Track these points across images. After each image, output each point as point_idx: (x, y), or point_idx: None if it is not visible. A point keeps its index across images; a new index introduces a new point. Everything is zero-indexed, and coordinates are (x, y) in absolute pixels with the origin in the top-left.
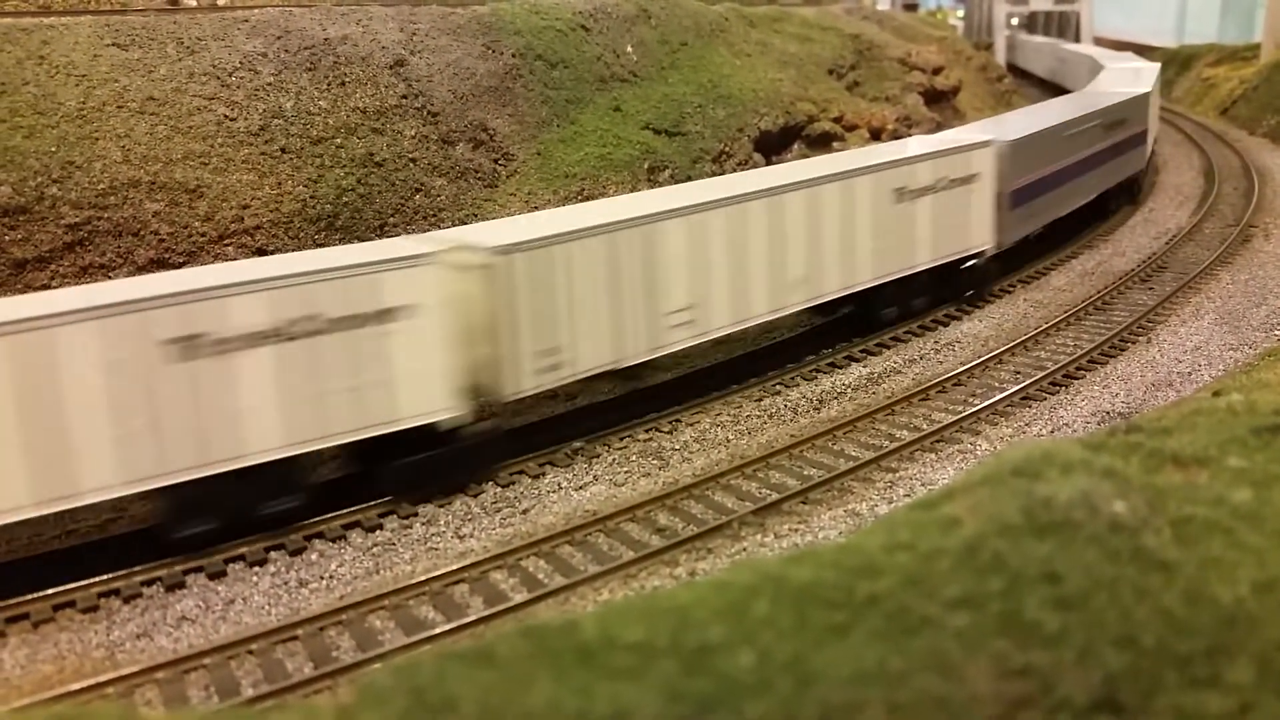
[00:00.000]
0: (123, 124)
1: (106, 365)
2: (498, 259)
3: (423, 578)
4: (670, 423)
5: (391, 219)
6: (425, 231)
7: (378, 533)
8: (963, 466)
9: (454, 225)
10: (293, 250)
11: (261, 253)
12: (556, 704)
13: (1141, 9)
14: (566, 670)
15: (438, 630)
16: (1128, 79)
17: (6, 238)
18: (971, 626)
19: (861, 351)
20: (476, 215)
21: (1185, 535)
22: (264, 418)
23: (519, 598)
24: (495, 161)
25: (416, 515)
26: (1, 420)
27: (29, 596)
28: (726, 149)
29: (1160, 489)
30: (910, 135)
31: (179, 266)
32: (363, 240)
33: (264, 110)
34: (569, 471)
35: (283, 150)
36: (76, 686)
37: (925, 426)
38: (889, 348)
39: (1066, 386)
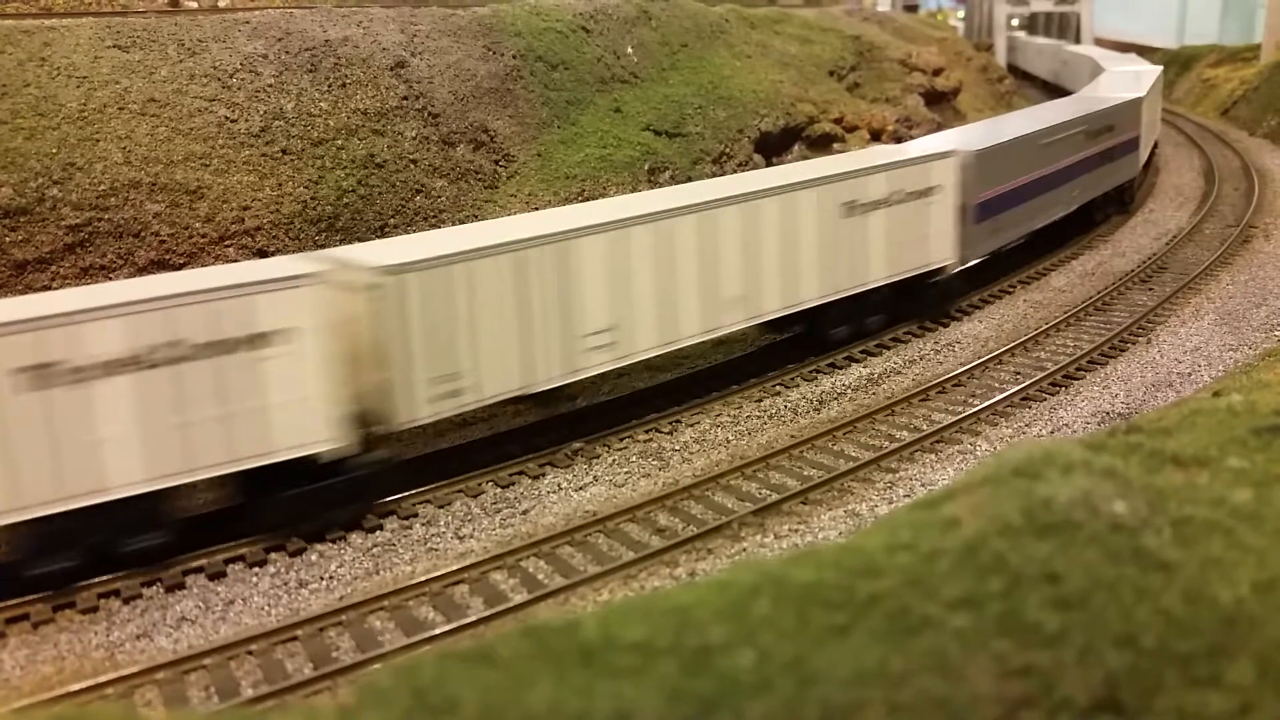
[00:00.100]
0: (124, 125)
1: None
2: (386, 279)
3: (423, 578)
4: (670, 423)
5: (392, 220)
6: (423, 230)
7: (378, 533)
8: (963, 467)
9: (455, 224)
10: (293, 251)
11: (262, 254)
12: (558, 704)
13: (1142, 10)
14: (567, 670)
15: (438, 631)
16: (1122, 83)
17: (7, 239)
18: (972, 626)
19: (861, 352)
20: (477, 216)
21: (1185, 535)
22: (124, 450)
23: (519, 598)
24: (496, 163)
25: (416, 516)
26: None
27: (29, 597)
28: (727, 150)
29: (1160, 489)
30: (911, 136)
31: (180, 268)
32: (364, 241)
33: (265, 112)
34: (569, 472)
35: (283, 151)
36: (76, 687)
37: (925, 427)
38: (889, 348)
39: (1066, 387)
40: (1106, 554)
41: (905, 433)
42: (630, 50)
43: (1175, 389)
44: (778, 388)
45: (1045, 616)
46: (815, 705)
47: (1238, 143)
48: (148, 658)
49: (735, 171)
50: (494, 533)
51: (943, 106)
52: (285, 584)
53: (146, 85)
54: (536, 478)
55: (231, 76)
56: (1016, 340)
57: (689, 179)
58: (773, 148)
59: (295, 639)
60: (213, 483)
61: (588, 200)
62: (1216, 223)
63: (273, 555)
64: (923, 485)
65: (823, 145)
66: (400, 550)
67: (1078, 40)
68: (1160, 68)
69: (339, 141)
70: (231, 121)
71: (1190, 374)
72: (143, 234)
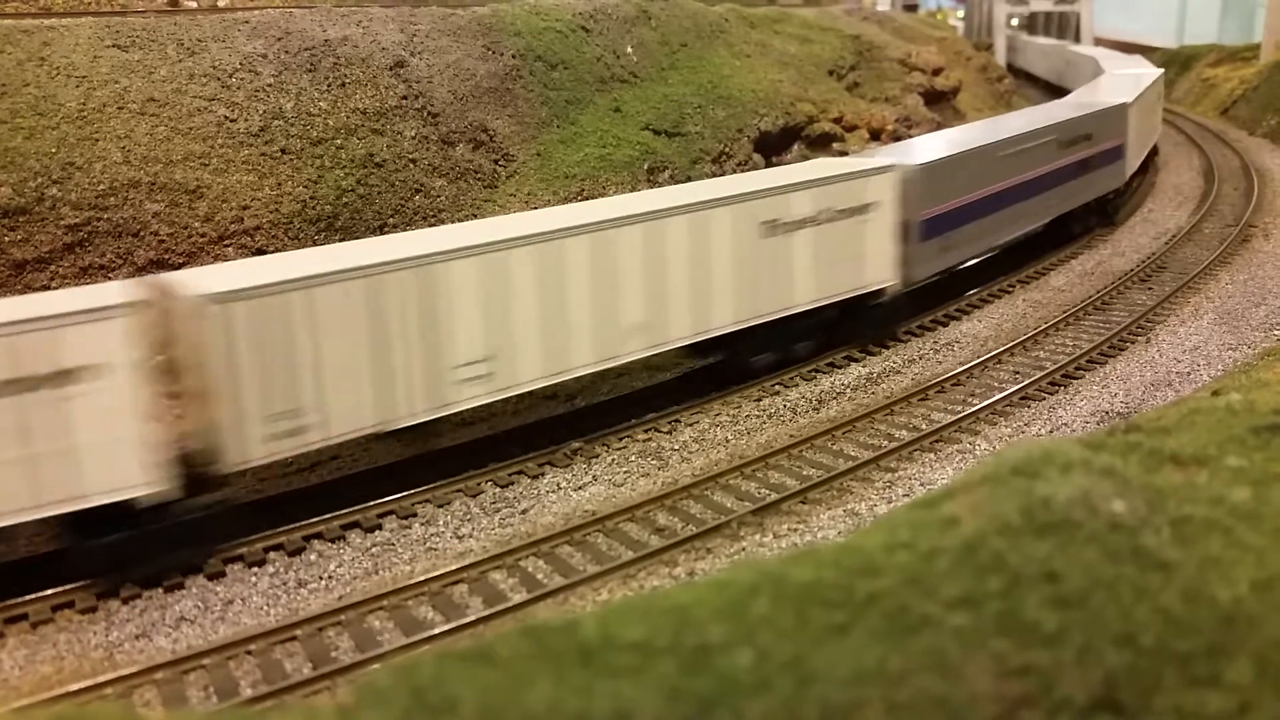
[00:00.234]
0: (123, 125)
1: None
2: (211, 309)
3: (422, 578)
4: (669, 423)
5: (391, 219)
6: (424, 229)
7: (376, 533)
8: (962, 466)
9: (456, 223)
10: (292, 250)
11: (261, 253)
12: (557, 703)
13: (1142, 9)
14: (566, 670)
15: (437, 630)
16: (1112, 88)
17: (6, 239)
18: (971, 626)
19: (861, 352)
20: (477, 215)
21: (1184, 534)
22: None
23: (518, 598)
24: (495, 162)
25: (415, 516)
26: None
27: (28, 597)
28: (726, 149)
29: (1159, 488)
30: (910, 135)
31: (179, 267)
32: (364, 239)
33: (264, 111)
34: (568, 472)
35: (283, 151)
36: (75, 687)
37: (924, 426)
38: (888, 348)
39: (1066, 386)
40: (1105, 553)
41: (904, 432)
42: (630, 50)
43: (1174, 388)
44: (777, 387)
45: (1044, 616)
46: (814, 704)
47: (1237, 142)
48: (146, 658)
49: (735, 171)
50: (493, 532)
51: (942, 106)
52: (284, 584)
53: (146, 85)
54: (536, 477)
55: (231, 76)
56: (1016, 339)
57: (689, 178)
58: (772, 147)
59: (294, 639)
60: (44, 524)
61: (588, 200)
62: (1216, 222)
63: (271, 555)
64: (922, 484)
65: (822, 145)
66: (399, 550)
67: (1077, 40)
68: (1160, 71)
69: (338, 141)
70: (231, 121)
71: (1189, 373)
72: (142, 234)
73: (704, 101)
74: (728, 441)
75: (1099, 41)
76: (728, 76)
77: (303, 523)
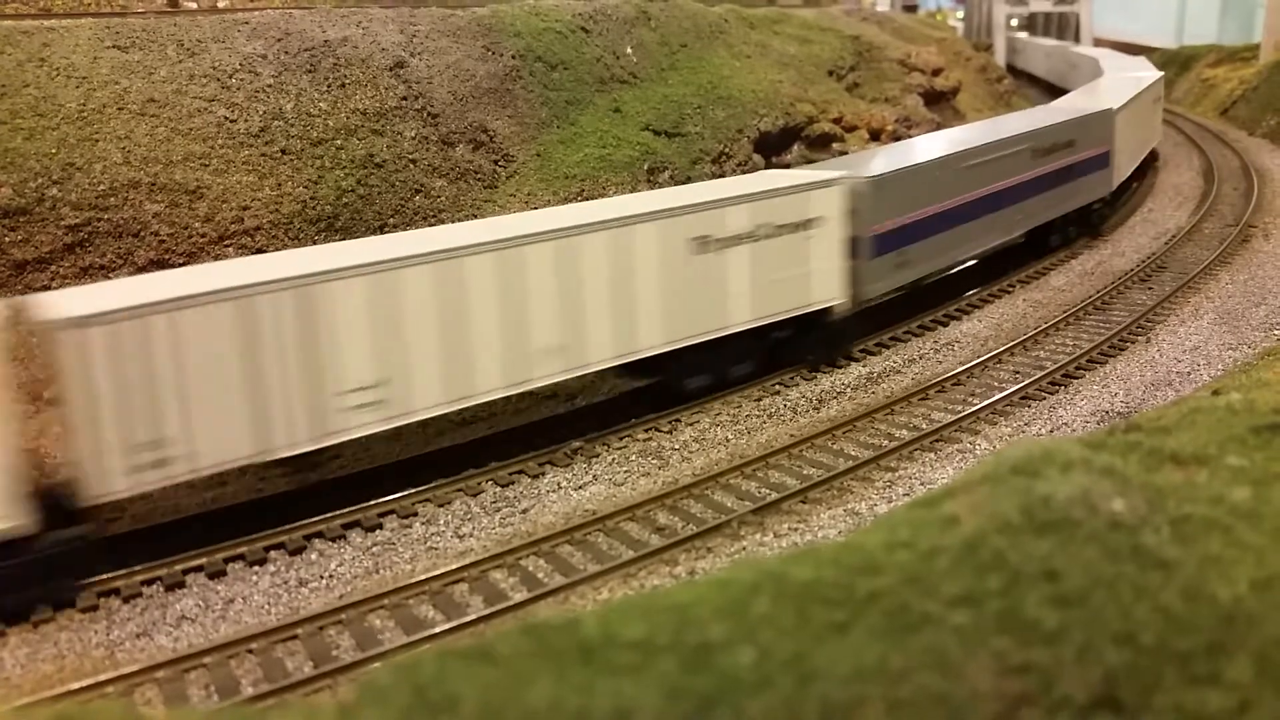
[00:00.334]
0: (123, 126)
1: None
2: (65, 334)
3: (422, 577)
4: (670, 422)
5: (391, 220)
6: (424, 228)
7: (377, 532)
8: (962, 465)
9: (456, 222)
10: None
11: (261, 253)
12: (558, 701)
13: (1141, 10)
14: (567, 668)
15: (438, 629)
16: (1104, 91)
17: (7, 239)
18: (971, 624)
19: (861, 351)
20: (477, 216)
21: (1184, 533)
22: None
23: (519, 596)
24: (495, 163)
25: (416, 515)
26: None
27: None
28: (726, 150)
29: (1159, 487)
30: (910, 135)
31: (179, 267)
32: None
33: (264, 112)
34: (568, 471)
35: (283, 151)
36: (77, 685)
37: (925, 426)
38: (888, 347)
39: (1066, 386)
40: (1105, 552)
41: (905, 431)
42: (629, 50)
43: (1174, 388)
44: (777, 387)
45: (1044, 614)
46: (815, 702)
47: (1237, 142)
48: (148, 656)
49: (735, 171)
50: (494, 531)
51: (942, 106)
52: (285, 582)
53: (146, 85)
54: (536, 477)
55: (231, 77)
56: (1016, 339)
57: (688, 179)
58: (772, 147)
59: (295, 637)
60: None
61: (589, 200)
62: (1216, 222)
63: (273, 554)
64: (922, 484)
65: (822, 145)
66: (400, 549)
67: (1077, 40)
68: (1159, 74)
69: (338, 141)
70: (231, 122)
71: (1189, 373)
72: (142, 234)
73: (704, 102)
74: (728, 441)
75: (1099, 42)
76: (727, 77)
77: (447, 480)
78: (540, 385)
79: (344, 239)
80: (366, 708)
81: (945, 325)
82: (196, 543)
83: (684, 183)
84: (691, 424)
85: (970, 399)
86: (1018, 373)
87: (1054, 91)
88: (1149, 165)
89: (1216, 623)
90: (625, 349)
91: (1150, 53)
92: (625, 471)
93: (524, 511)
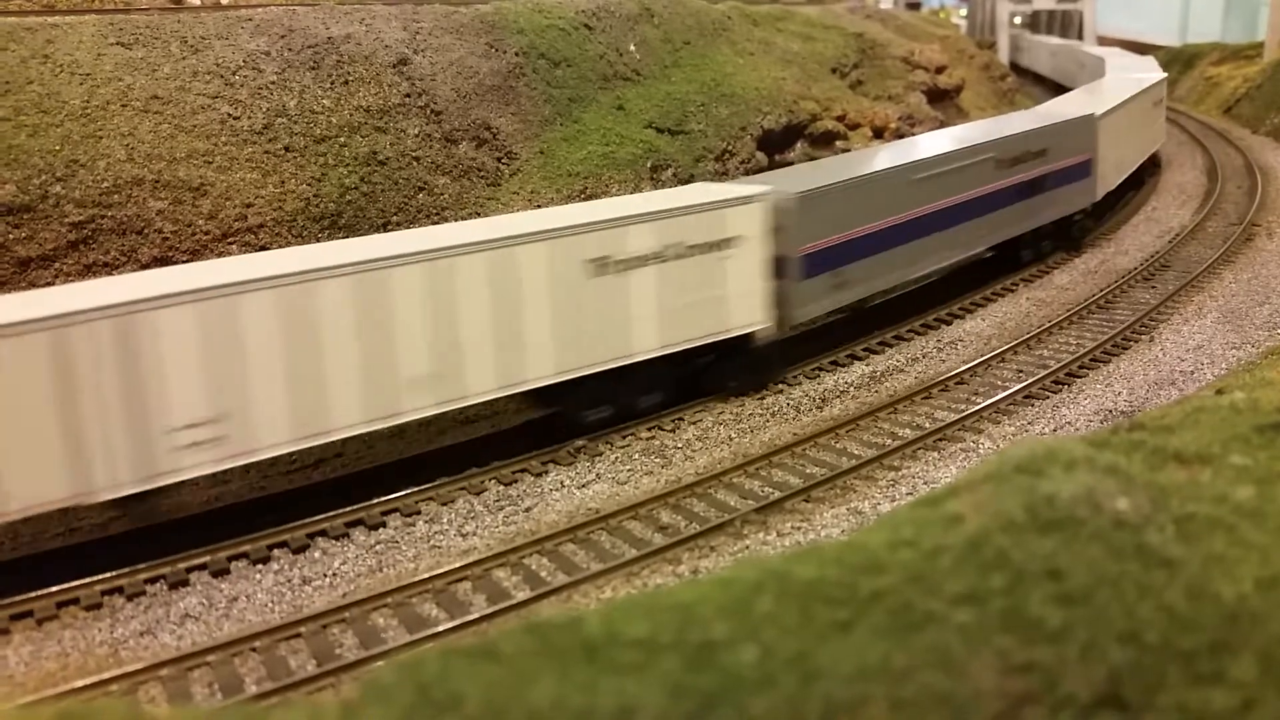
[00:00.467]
0: (126, 122)
1: None
2: None
3: (426, 575)
4: (673, 421)
5: (395, 217)
6: (425, 227)
7: (381, 530)
8: (965, 464)
9: (459, 221)
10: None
11: (265, 250)
12: (561, 700)
13: (1145, 8)
14: (570, 666)
15: (441, 627)
16: (1091, 95)
17: (10, 236)
18: (975, 623)
19: (864, 350)
20: (480, 214)
21: (1188, 532)
22: None
23: (522, 595)
24: (498, 160)
25: (419, 514)
26: None
27: (33, 594)
28: (729, 148)
29: (1163, 486)
30: (914, 133)
31: (183, 264)
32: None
33: (267, 109)
34: (572, 470)
35: (286, 149)
36: (80, 683)
37: (928, 425)
38: (891, 346)
39: (1069, 385)
40: (1109, 550)
41: (908, 430)
42: (633, 47)
43: (1178, 387)
44: (780, 386)
45: (1048, 613)
46: (818, 701)
47: (1241, 140)
48: (151, 654)
49: (739, 170)
50: (497, 530)
51: (945, 104)
52: (289, 581)
53: (149, 82)
54: (539, 475)
55: (234, 74)
56: (1019, 338)
57: (691, 176)
58: (775, 145)
59: (299, 636)
60: None
61: (590, 199)
62: (1219, 221)
63: (276, 552)
64: (925, 483)
65: (825, 143)
66: (403, 547)
67: (1080, 38)
68: (1162, 75)
69: (341, 139)
70: (234, 119)
71: (1193, 372)
72: (146, 231)
73: (707, 99)
74: (731, 440)
75: (1103, 40)
76: (731, 74)
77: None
78: (411, 419)
79: (347, 237)
80: (370, 706)
81: (948, 324)
82: (200, 541)
83: (687, 180)
84: (695, 422)
85: (974, 398)
86: (1021, 371)
87: (1060, 91)
88: (1151, 170)
89: (1220, 621)
90: (511, 379)
91: (1154, 51)
92: (628, 470)
93: (527, 510)
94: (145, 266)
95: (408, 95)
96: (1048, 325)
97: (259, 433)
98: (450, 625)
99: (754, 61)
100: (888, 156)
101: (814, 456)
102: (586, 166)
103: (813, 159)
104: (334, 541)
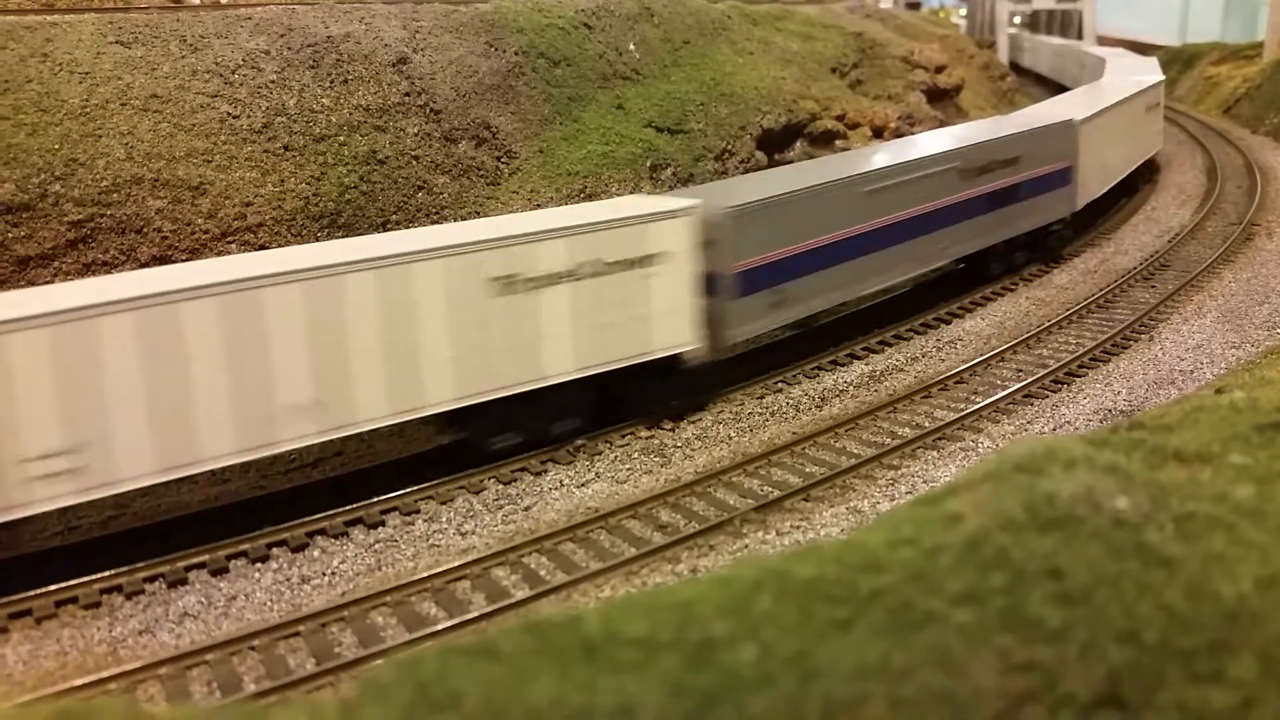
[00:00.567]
0: (126, 121)
1: None
2: None
3: (425, 574)
4: (672, 420)
5: (394, 216)
6: (425, 226)
7: (380, 529)
8: (965, 463)
9: (458, 221)
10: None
11: (263, 250)
12: (560, 698)
13: (1144, 7)
14: (570, 665)
15: (440, 626)
16: (1074, 100)
17: (10, 235)
18: (974, 622)
19: (863, 349)
20: (479, 213)
21: (1188, 531)
22: None
23: (521, 594)
24: (498, 159)
25: (418, 512)
26: None
27: (32, 592)
28: (729, 147)
29: (1163, 485)
30: (913, 132)
31: (182, 263)
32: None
33: (267, 108)
34: (571, 469)
35: (285, 148)
36: (79, 682)
37: (927, 424)
38: (891, 345)
39: (1069, 384)
40: (1109, 549)
41: (907, 429)
42: (632, 47)
43: (1178, 386)
44: (780, 384)
45: (1048, 612)
46: (817, 700)
47: (1240, 140)
48: (150, 653)
49: (738, 169)
50: (496, 529)
51: (945, 104)
52: (287, 580)
53: (149, 81)
54: (539, 474)
55: (234, 73)
56: (1019, 337)
57: (691, 176)
58: (775, 145)
59: (298, 634)
60: None
61: (590, 198)
62: (1219, 220)
63: (275, 551)
64: (925, 482)
65: (825, 142)
66: (403, 546)
67: (1080, 38)
68: (1159, 78)
69: (341, 138)
70: (234, 118)
71: (1193, 371)
72: (145, 230)
73: (706, 99)
74: (730, 439)
75: (1102, 40)
76: (730, 74)
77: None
78: (291, 448)
79: (347, 236)
80: (369, 705)
81: (948, 323)
82: (198, 539)
83: (687, 180)
84: (694, 421)
85: (973, 397)
86: (1020, 371)
87: (1062, 92)
88: (1148, 175)
89: (1220, 620)
90: (406, 405)
91: (1154, 50)
92: (628, 469)
93: (526, 509)
94: (145, 266)
95: (407, 94)
96: (1047, 324)
97: (120, 464)
98: (449, 624)
99: (753, 61)
100: (839, 167)
101: (813, 455)
102: (586, 166)
103: (811, 158)
104: (333, 540)
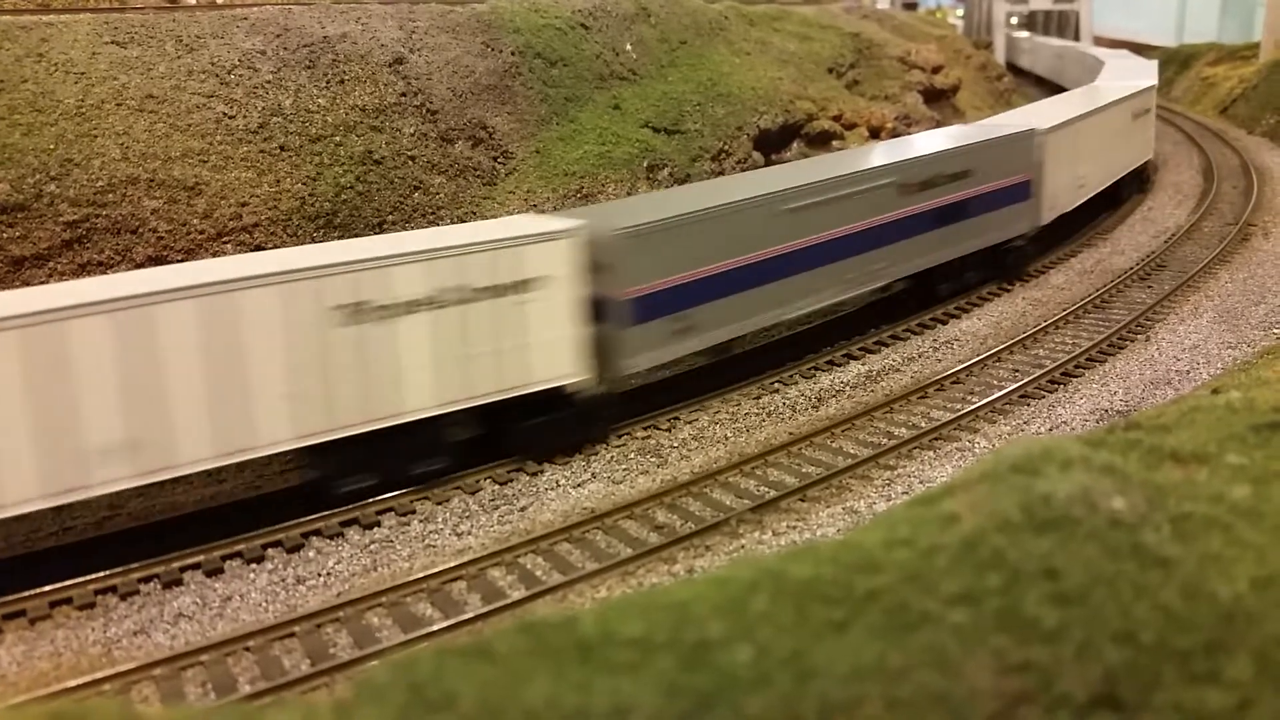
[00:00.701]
0: (121, 121)
1: None
2: None
3: (420, 575)
4: (669, 420)
5: (390, 217)
6: (423, 228)
7: (375, 530)
8: (961, 464)
9: (453, 223)
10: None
11: (259, 250)
12: (555, 699)
13: (1141, 8)
14: (565, 666)
15: (436, 627)
16: (1045, 107)
17: (5, 235)
18: (970, 622)
19: (860, 350)
20: (475, 213)
21: (1184, 531)
22: None
23: (517, 595)
24: (494, 159)
25: (414, 513)
26: None
27: (26, 593)
28: (726, 147)
29: (1159, 486)
30: (910, 133)
31: (177, 263)
32: (361, 238)
33: (263, 108)
34: (567, 469)
35: (281, 148)
36: (73, 683)
37: (924, 424)
38: (888, 345)
39: (1065, 384)
40: (1105, 550)
41: (904, 430)
42: (629, 47)
43: (1174, 386)
44: (776, 385)
45: (1044, 612)
46: (813, 700)
47: (1236, 141)
48: (145, 654)
49: (735, 169)
50: (492, 529)
51: (942, 104)
52: (283, 580)
53: (144, 81)
54: (535, 474)
55: (229, 73)
56: (1015, 338)
57: (688, 176)
58: (772, 145)
59: (293, 635)
60: None
61: (586, 199)
62: (1215, 220)
63: (270, 552)
64: (921, 482)
65: (822, 143)
66: (398, 547)
67: (1076, 39)
68: (1150, 83)
69: (337, 138)
70: (229, 118)
71: (1189, 371)
72: (140, 230)
73: (703, 99)
74: (727, 439)
75: (1099, 41)
76: (727, 74)
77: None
78: (102, 493)
79: (342, 236)
80: (364, 705)
81: (944, 323)
82: (194, 540)
83: (684, 180)
84: (690, 422)
85: (969, 397)
86: (1017, 371)
87: (1049, 86)
88: (1137, 185)
89: (1216, 621)
90: (236, 445)
91: (1150, 51)
92: (624, 469)
93: (522, 509)
94: (140, 266)
95: (403, 94)
96: (1044, 325)
97: None
98: (445, 625)
99: (750, 61)
100: (757, 185)
101: (810, 456)
102: (582, 166)
103: (806, 158)
104: (329, 541)
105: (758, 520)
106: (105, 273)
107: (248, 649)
